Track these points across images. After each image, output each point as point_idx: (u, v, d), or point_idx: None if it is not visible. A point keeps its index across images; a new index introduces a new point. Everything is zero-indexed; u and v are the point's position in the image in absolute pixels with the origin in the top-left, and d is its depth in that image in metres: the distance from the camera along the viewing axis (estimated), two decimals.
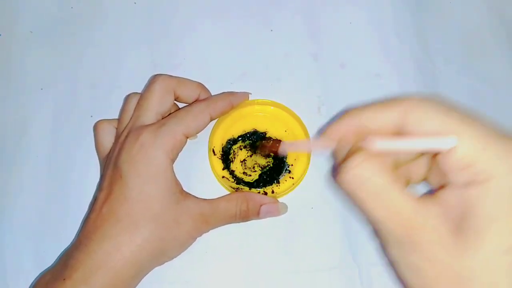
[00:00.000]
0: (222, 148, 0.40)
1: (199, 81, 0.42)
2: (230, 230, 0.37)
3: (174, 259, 0.36)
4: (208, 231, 0.36)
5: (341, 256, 0.37)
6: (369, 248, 0.37)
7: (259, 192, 0.38)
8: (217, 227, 0.36)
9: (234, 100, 0.39)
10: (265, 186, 0.38)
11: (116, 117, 0.39)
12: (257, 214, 0.36)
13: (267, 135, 0.40)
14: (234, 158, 0.39)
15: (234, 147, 0.40)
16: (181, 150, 0.36)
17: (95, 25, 0.45)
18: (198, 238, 0.37)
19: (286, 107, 0.40)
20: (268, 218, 0.38)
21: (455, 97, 0.42)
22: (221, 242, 0.37)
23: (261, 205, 0.37)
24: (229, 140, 0.40)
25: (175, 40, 0.45)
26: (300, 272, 0.37)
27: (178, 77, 0.38)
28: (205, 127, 0.37)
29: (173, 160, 0.35)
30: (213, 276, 0.37)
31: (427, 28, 0.45)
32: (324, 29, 0.45)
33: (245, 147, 0.40)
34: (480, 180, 0.22)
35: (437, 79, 0.43)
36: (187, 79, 0.39)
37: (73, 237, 0.37)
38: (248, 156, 0.39)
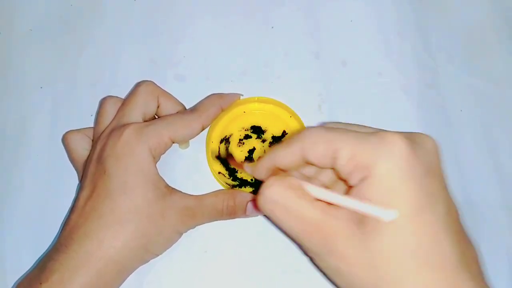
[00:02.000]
0: (219, 145, 0.40)
1: (199, 79, 0.43)
2: (229, 229, 0.37)
3: (174, 258, 0.36)
4: (194, 227, 0.36)
5: None
6: None
7: (255, 191, 0.38)
8: (203, 222, 0.36)
9: (224, 104, 0.39)
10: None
11: None
12: (244, 211, 0.36)
13: (265, 134, 0.40)
14: (230, 154, 0.39)
15: (231, 143, 0.40)
16: (164, 152, 0.36)
17: (95, 22, 0.45)
18: (197, 238, 0.37)
19: (286, 106, 0.40)
20: (268, 219, 0.38)
21: (457, 95, 0.43)
22: (220, 241, 0.37)
23: (247, 202, 0.36)
24: (227, 137, 0.40)
25: (175, 37, 0.44)
26: (300, 272, 0.37)
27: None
28: (195, 136, 0.37)
29: (155, 159, 0.35)
30: (212, 275, 0.37)
31: (429, 25, 0.45)
32: (326, 27, 0.45)
33: (241, 140, 0.40)
34: (364, 175, 0.25)
35: (439, 76, 0.43)
36: (171, 94, 0.39)
37: None
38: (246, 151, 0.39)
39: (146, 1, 0.46)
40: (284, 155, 0.30)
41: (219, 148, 0.40)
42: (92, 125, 0.40)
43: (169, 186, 0.35)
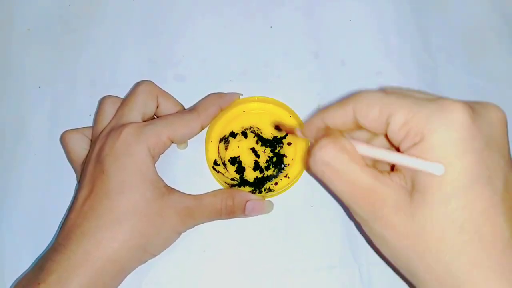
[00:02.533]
0: (218, 144, 0.39)
1: (199, 78, 0.43)
2: (229, 229, 0.37)
3: (172, 258, 0.36)
4: (193, 227, 0.36)
5: (341, 255, 0.37)
6: (369, 247, 0.37)
7: (254, 191, 0.38)
8: (202, 222, 0.36)
9: (223, 104, 0.39)
10: (262, 184, 0.38)
11: None
12: (242, 211, 0.36)
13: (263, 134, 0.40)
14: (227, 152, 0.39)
15: (231, 141, 0.40)
16: (163, 152, 0.36)
17: (93, 22, 0.45)
18: (195, 237, 0.37)
19: (285, 105, 0.40)
20: (267, 217, 0.38)
21: (457, 95, 0.42)
22: (219, 241, 0.37)
23: (246, 202, 0.36)
24: (226, 136, 0.40)
25: (174, 37, 0.44)
26: (300, 271, 0.37)
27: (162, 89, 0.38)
28: (194, 136, 0.37)
29: (154, 159, 0.35)
30: (211, 275, 0.36)
31: (429, 25, 0.45)
32: (325, 26, 0.45)
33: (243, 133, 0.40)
34: (417, 141, 0.25)
35: (439, 76, 0.43)
36: (170, 94, 0.39)
37: None
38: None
39: (145, 1, 0.46)
40: (336, 114, 0.29)
41: (218, 148, 0.39)
42: (91, 124, 0.39)
43: (168, 186, 0.35)
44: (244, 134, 0.40)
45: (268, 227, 0.38)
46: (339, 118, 0.29)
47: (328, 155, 0.27)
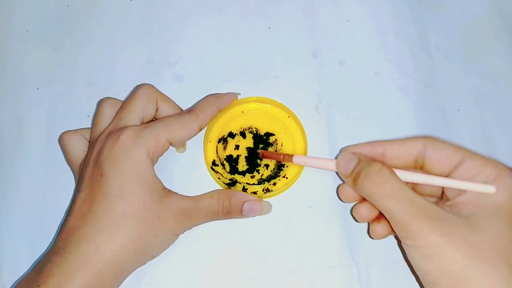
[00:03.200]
0: (217, 145, 0.39)
1: (197, 79, 0.42)
2: (228, 229, 0.37)
3: (171, 259, 0.36)
4: (190, 228, 0.36)
5: (339, 255, 0.37)
6: (368, 247, 0.37)
7: (255, 193, 0.38)
8: (199, 223, 0.36)
9: (221, 104, 0.39)
10: (261, 184, 0.38)
11: None
12: (240, 212, 0.36)
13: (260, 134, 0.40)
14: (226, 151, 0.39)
15: (230, 142, 0.40)
16: (162, 154, 0.36)
17: (91, 23, 0.45)
18: (194, 238, 0.37)
19: (284, 106, 0.40)
20: (265, 217, 0.38)
21: (456, 94, 0.43)
22: (218, 241, 0.37)
23: (244, 203, 0.36)
24: (225, 137, 0.40)
25: (172, 37, 0.44)
26: (299, 272, 0.37)
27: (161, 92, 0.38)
28: (192, 137, 0.37)
29: (153, 162, 0.35)
30: (210, 276, 0.36)
31: (427, 24, 0.45)
32: (323, 26, 0.45)
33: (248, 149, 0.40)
34: (490, 180, 0.30)
35: (437, 76, 0.43)
36: (169, 97, 0.39)
37: None
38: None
39: (143, 1, 0.46)
40: (403, 147, 0.33)
41: (216, 148, 0.39)
42: (89, 125, 0.39)
43: (166, 189, 0.35)
44: (243, 134, 0.40)
45: (267, 227, 0.38)
46: (404, 150, 0.33)
47: (386, 176, 0.31)
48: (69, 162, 0.38)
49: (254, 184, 0.38)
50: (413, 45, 0.44)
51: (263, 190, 0.38)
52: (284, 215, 0.38)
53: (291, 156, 0.37)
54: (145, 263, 0.35)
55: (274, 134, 0.40)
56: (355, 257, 0.37)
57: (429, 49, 0.44)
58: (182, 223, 0.35)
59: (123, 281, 0.34)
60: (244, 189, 0.38)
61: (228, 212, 0.36)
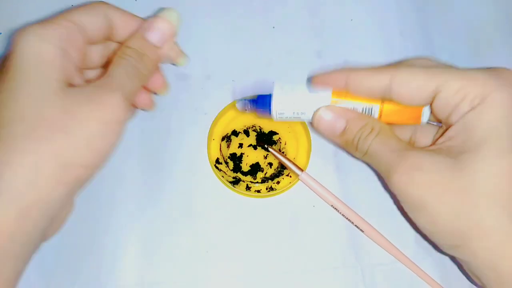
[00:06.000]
0: (221, 142, 0.40)
1: (201, 78, 0.42)
2: (231, 229, 0.37)
3: (175, 258, 0.36)
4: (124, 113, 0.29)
5: (343, 255, 0.37)
6: (372, 247, 0.37)
7: (259, 191, 0.38)
8: (131, 92, 0.30)
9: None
10: (265, 182, 0.38)
11: None
12: (149, 46, 0.31)
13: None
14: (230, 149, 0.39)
15: (233, 140, 0.40)
16: (78, 41, 0.30)
17: None
18: (198, 238, 0.37)
19: None
20: (269, 217, 0.37)
21: None
22: (222, 241, 0.37)
23: (144, 34, 0.32)
24: (228, 134, 0.40)
25: (177, 37, 0.44)
26: (303, 272, 0.36)
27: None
28: (102, 23, 0.32)
29: (56, 47, 0.28)
30: (214, 275, 0.36)
31: (431, 24, 0.45)
32: (328, 26, 0.45)
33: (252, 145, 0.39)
34: (476, 103, 0.26)
35: None
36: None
37: (72, 230, 0.36)
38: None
39: (148, 1, 0.46)
40: (368, 79, 0.30)
41: (220, 146, 0.39)
42: None
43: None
44: (246, 132, 0.40)
45: (271, 227, 0.38)
46: (369, 83, 0.29)
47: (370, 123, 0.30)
48: None
49: (257, 182, 0.38)
50: (417, 45, 0.44)
51: (266, 189, 0.38)
52: (287, 215, 0.38)
53: (297, 172, 0.37)
54: (85, 179, 0.28)
55: (277, 133, 0.40)
56: (359, 258, 0.37)
57: (433, 50, 0.44)
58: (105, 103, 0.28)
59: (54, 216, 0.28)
60: (248, 188, 0.38)
61: (142, 54, 0.31)
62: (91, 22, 0.31)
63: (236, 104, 0.36)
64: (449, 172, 0.26)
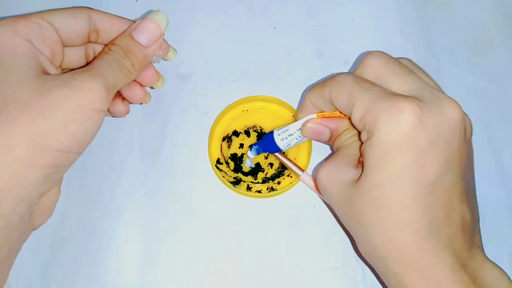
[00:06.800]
0: (221, 143, 0.40)
1: (201, 78, 0.42)
2: (232, 229, 0.37)
3: (176, 258, 0.36)
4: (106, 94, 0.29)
5: (344, 256, 0.37)
6: None
7: (259, 191, 0.38)
8: (113, 83, 0.30)
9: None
10: (265, 183, 0.38)
11: None
12: (135, 45, 0.32)
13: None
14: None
15: (234, 140, 0.40)
16: (50, 39, 0.30)
17: None
18: (199, 238, 0.36)
19: (288, 105, 0.40)
20: (269, 217, 0.37)
21: (460, 95, 0.42)
22: (223, 241, 0.37)
23: (130, 34, 0.32)
24: (229, 135, 0.40)
25: (177, 37, 0.44)
26: (303, 272, 0.36)
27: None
28: (82, 27, 0.32)
29: (29, 42, 0.29)
30: (214, 275, 0.36)
31: (431, 25, 0.45)
32: (328, 26, 0.45)
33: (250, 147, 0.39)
34: (368, 137, 0.28)
35: (442, 76, 0.43)
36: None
37: (72, 230, 0.37)
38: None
39: (149, 2, 0.46)
40: (317, 96, 0.33)
41: (221, 146, 0.39)
42: None
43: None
44: (247, 133, 0.40)
45: (271, 227, 0.37)
46: (319, 98, 0.32)
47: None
48: None
49: (258, 182, 0.38)
50: (417, 45, 0.44)
51: (267, 189, 0.38)
52: (288, 215, 0.38)
53: (297, 174, 0.37)
54: (62, 164, 0.28)
55: None
56: (359, 258, 0.37)
57: (433, 50, 0.44)
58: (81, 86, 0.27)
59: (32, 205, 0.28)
60: (249, 188, 0.38)
61: (128, 52, 0.31)
62: (69, 23, 0.31)
63: (249, 153, 0.38)
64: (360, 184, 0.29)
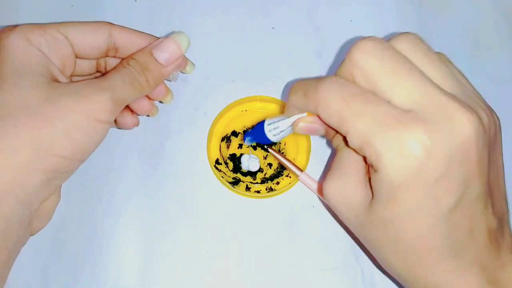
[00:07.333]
0: (220, 143, 0.40)
1: (201, 78, 0.42)
2: (231, 230, 0.37)
3: (175, 258, 0.36)
4: (114, 107, 0.30)
5: (343, 256, 0.37)
6: None
7: (258, 192, 0.38)
8: (122, 96, 0.30)
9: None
10: (264, 183, 0.38)
11: None
12: (150, 55, 0.32)
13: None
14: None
15: (233, 140, 0.40)
16: (63, 53, 0.31)
17: None
18: (198, 238, 0.37)
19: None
20: (268, 217, 0.37)
21: None
22: (222, 241, 0.37)
23: (150, 50, 0.32)
24: (228, 135, 0.40)
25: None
26: (302, 272, 0.36)
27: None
28: (100, 44, 0.33)
29: (42, 52, 0.29)
30: (214, 275, 0.36)
31: (430, 25, 0.45)
32: (328, 26, 0.45)
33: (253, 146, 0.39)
34: (374, 169, 0.25)
35: None
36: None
37: (72, 230, 0.37)
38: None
39: (147, 2, 0.46)
40: (299, 105, 0.29)
41: (220, 147, 0.39)
42: None
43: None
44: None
45: (270, 227, 0.38)
46: (305, 109, 0.29)
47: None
48: None
49: (257, 183, 0.38)
50: None
51: (266, 189, 0.38)
52: (287, 215, 0.38)
53: (296, 174, 0.37)
54: (64, 170, 0.29)
55: None
56: (359, 258, 0.37)
57: (433, 49, 0.44)
58: (90, 98, 0.28)
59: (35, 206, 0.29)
60: (248, 188, 0.38)
61: (145, 68, 0.32)
62: (86, 39, 0.32)
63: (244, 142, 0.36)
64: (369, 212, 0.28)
